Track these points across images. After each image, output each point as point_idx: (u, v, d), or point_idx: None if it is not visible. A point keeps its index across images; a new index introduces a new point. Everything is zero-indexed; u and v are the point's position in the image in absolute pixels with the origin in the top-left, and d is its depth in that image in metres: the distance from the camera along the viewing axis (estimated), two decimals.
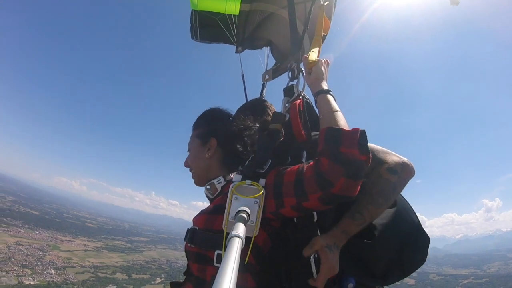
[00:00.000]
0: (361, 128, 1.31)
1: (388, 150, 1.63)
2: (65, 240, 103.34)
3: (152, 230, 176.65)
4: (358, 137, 1.28)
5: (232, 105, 2.15)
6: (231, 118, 1.90)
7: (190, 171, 1.88)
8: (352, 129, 1.32)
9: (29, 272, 67.97)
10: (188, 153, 1.91)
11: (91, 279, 77.49)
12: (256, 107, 2.37)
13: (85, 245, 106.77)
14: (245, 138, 1.82)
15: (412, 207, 1.79)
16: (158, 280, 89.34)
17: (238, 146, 1.80)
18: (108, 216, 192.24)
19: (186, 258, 1.60)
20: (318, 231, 1.49)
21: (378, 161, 1.56)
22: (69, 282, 70.96)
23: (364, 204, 1.49)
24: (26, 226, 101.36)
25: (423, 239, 1.71)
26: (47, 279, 68.32)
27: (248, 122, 1.88)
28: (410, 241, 1.64)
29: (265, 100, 2.51)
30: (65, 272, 75.90)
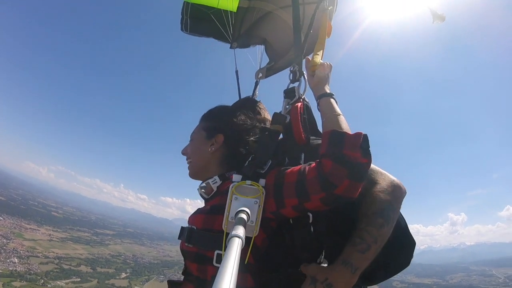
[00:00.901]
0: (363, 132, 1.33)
1: (381, 170, 1.67)
2: (30, 228, 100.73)
3: (119, 224, 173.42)
4: (361, 140, 1.30)
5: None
6: (241, 119, 1.87)
7: (187, 160, 1.89)
8: (355, 133, 1.34)
9: None
10: (189, 142, 1.93)
11: (55, 270, 76.62)
12: (250, 108, 2.29)
13: (50, 234, 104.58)
14: (251, 139, 1.80)
15: (401, 213, 1.78)
16: (123, 275, 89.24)
17: (242, 147, 1.79)
18: (75, 206, 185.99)
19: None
20: (312, 232, 1.53)
21: (371, 182, 1.59)
22: (32, 272, 69.98)
23: (363, 227, 1.48)
24: None
25: (409, 243, 1.76)
26: (10, 268, 67.21)
27: (255, 123, 1.88)
28: (396, 245, 1.66)
29: (258, 102, 2.33)
30: (28, 261, 74.61)
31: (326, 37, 2.04)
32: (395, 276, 1.80)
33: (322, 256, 1.56)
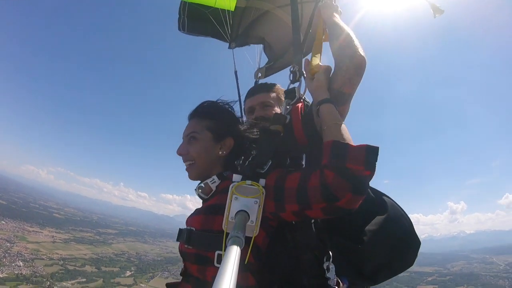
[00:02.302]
0: (374, 144, 1.30)
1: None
2: (33, 231, 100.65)
3: (121, 222, 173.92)
4: (365, 153, 1.28)
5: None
6: (246, 122, 1.90)
7: (186, 161, 1.75)
8: (359, 145, 1.31)
9: None
10: (188, 141, 1.75)
11: (60, 271, 76.83)
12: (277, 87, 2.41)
13: (53, 236, 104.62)
14: (255, 141, 1.77)
15: (405, 212, 1.85)
16: (128, 273, 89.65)
17: (248, 150, 1.79)
18: (76, 207, 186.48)
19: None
20: (315, 232, 1.55)
21: None
22: (38, 274, 70.13)
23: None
24: None
25: (413, 243, 1.77)
26: (16, 272, 67.13)
27: (259, 124, 1.85)
28: (400, 246, 1.70)
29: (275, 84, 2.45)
30: (33, 264, 74.66)
31: (323, 39, 2.00)
32: None
33: (330, 261, 1.53)
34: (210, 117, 1.78)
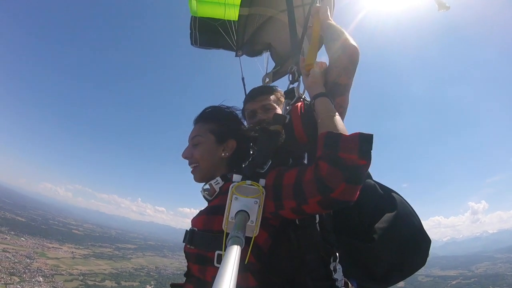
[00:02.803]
0: (367, 132, 1.30)
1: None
2: (52, 247, 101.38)
3: (140, 237, 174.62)
4: (358, 141, 1.27)
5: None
6: (247, 124, 1.89)
7: (191, 164, 1.79)
8: (352, 134, 1.32)
9: (17, 279, 66.55)
10: (193, 145, 1.80)
11: (80, 286, 76.75)
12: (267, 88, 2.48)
13: (72, 252, 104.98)
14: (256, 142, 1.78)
15: (414, 210, 1.81)
16: (148, 287, 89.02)
17: (250, 151, 1.83)
18: (94, 223, 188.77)
19: (185, 262, 1.59)
20: (320, 231, 1.52)
21: None
22: None
23: None
24: (12, 232, 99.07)
25: (424, 242, 1.72)
26: (36, 287, 67.00)
27: (261, 125, 1.85)
28: (411, 244, 1.66)
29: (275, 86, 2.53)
30: (53, 280, 74.69)
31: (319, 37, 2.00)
32: (419, 271, 1.78)
33: (337, 261, 1.49)
34: (213, 120, 1.81)
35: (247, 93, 2.69)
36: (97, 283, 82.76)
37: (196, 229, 1.53)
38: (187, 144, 1.81)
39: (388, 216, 1.67)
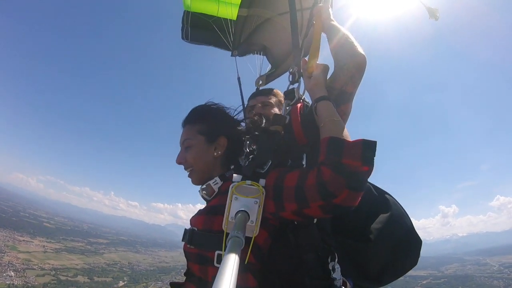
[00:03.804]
0: (372, 139, 1.28)
1: None
2: (23, 240, 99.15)
3: (112, 232, 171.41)
4: (361, 148, 1.26)
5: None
6: (236, 117, 1.88)
7: (186, 169, 1.76)
8: (355, 140, 1.31)
9: None
10: (185, 149, 1.76)
11: (53, 282, 75.88)
12: (266, 91, 2.55)
13: (44, 246, 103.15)
14: (250, 138, 1.79)
15: (406, 211, 1.85)
16: (121, 283, 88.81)
17: (243, 147, 1.80)
18: (66, 216, 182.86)
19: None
20: (317, 232, 1.51)
21: None
22: (30, 285, 69.16)
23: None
24: None
25: (415, 242, 1.75)
26: (7, 282, 66.13)
27: (255, 122, 1.83)
28: (403, 245, 1.68)
29: (272, 89, 2.56)
30: (25, 274, 73.58)
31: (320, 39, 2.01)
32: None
33: (336, 261, 1.50)
34: (201, 120, 1.78)
35: (242, 92, 2.87)
36: (69, 278, 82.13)
37: (195, 229, 1.53)
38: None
39: (382, 217, 1.72)
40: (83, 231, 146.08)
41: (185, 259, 1.58)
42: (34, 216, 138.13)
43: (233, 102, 2.02)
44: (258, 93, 2.59)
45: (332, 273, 1.45)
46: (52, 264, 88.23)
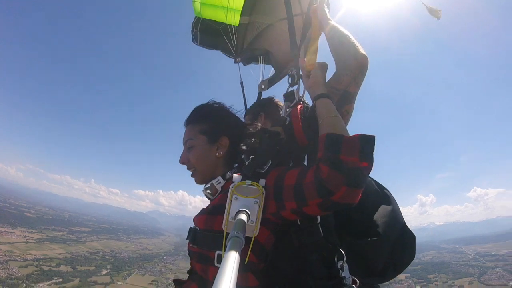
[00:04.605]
0: (371, 134, 1.27)
1: None
2: (4, 231, 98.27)
3: (93, 220, 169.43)
4: (359, 143, 1.24)
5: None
6: (239, 117, 1.90)
7: (189, 169, 1.79)
8: (353, 135, 1.28)
9: None
10: (187, 149, 1.79)
11: (36, 272, 76.10)
12: (267, 105, 2.64)
13: (25, 236, 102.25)
14: (252, 139, 1.79)
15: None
16: (104, 271, 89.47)
17: (245, 146, 1.79)
18: (47, 205, 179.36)
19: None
20: (321, 232, 1.49)
21: None
22: (13, 277, 69.27)
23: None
24: None
25: (410, 238, 1.75)
26: None
27: (257, 123, 1.87)
28: (400, 240, 1.67)
29: (273, 98, 2.64)
30: (7, 266, 73.59)
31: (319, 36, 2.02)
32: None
33: (344, 260, 1.47)
34: (202, 120, 1.82)
35: (245, 96, 3.05)
36: (52, 268, 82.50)
37: (198, 228, 1.54)
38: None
39: (386, 210, 1.72)
40: (65, 219, 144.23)
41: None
42: (14, 206, 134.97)
43: (236, 107, 2.05)
44: (248, 112, 2.76)
45: (341, 272, 1.43)
46: (35, 255, 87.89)
